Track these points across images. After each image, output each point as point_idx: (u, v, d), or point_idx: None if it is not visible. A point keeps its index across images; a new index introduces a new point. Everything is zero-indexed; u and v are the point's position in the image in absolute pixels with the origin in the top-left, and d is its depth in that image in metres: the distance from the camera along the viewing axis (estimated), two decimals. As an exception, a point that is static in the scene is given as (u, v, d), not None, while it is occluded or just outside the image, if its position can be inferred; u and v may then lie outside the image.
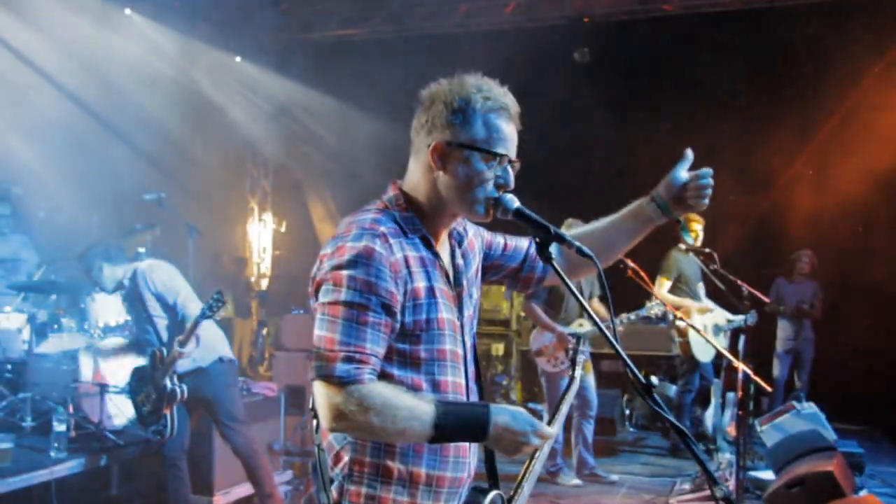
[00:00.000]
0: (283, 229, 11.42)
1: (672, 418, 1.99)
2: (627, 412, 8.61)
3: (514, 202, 2.03)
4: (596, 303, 6.75)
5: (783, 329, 8.70)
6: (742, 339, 6.21)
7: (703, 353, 7.31)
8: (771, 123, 9.31)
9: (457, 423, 1.86)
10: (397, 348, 1.95)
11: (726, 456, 7.14)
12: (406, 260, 1.93)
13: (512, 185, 2.05)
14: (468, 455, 2.07)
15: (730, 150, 9.41)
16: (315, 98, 10.07)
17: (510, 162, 2.03)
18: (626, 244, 2.37)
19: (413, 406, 1.84)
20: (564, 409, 2.68)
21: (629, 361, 2.00)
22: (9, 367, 6.17)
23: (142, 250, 6.94)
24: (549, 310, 6.47)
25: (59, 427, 5.46)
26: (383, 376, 1.93)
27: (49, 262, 6.71)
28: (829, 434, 6.53)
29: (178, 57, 9.12)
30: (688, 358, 7.35)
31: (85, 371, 5.86)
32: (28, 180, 6.91)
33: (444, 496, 2.01)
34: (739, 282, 6.35)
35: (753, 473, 6.72)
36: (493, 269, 2.35)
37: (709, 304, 7.37)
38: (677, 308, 6.70)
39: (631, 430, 8.49)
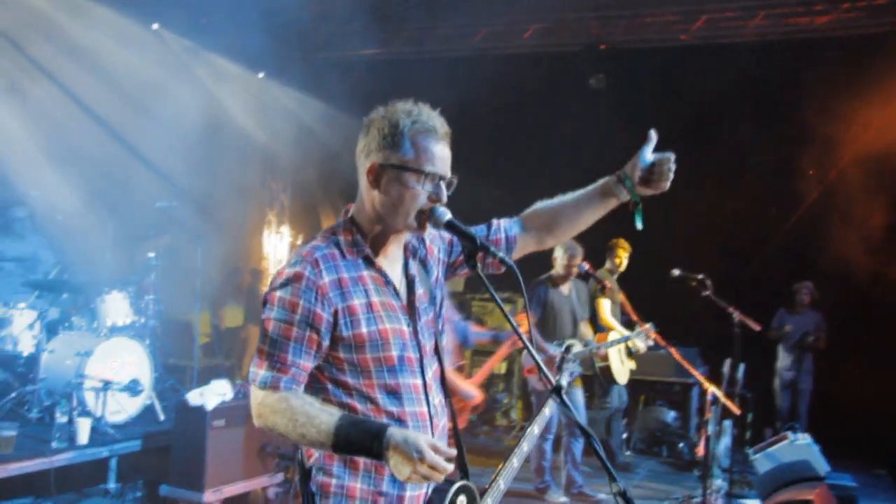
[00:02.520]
0: (299, 242, 11.68)
1: (579, 419, 2.13)
2: (625, 436, 8.65)
3: (446, 215, 2.21)
4: (584, 325, 6.89)
5: (782, 359, 8.74)
6: (727, 363, 6.30)
7: (622, 377, 7.48)
8: (782, 154, 9.38)
9: (353, 437, 2.01)
10: (346, 358, 2.15)
11: (717, 482, 7.19)
12: (339, 281, 2.13)
13: (444, 199, 2.22)
14: None
15: (741, 180, 9.50)
16: (334, 115, 10.31)
17: (441, 178, 2.20)
18: (589, 220, 2.51)
19: (314, 416, 2.03)
20: (539, 423, 2.80)
21: (541, 363, 2.17)
22: (20, 360, 6.44)
23: (151, 255, 7.20)
24: (542, 329, 6.59)
25: (62, 419, 5.71)
26: (339, 385, 2.16)
27: (64, 265, 6.96)
28: (821, 466, 6.55)
29: (202, 72, 9.42)
30: (606, 379, 7.48)
31: (91, 367, 6.08)
32: (47, 186, 7.20)
33: (409, 485, 2.16)
34: (731, 308, 6.41)
35: (742, 501, 6.77)
36: (462, 262, 2.50)
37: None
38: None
39: (627, 453, 8.52)
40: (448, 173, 2.23)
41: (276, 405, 2.06)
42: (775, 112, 9.41)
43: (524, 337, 2.23)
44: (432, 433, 2.23)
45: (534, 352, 2.19)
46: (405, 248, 2.34)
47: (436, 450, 1.98)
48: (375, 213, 2.22)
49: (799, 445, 6.78)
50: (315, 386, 2.19)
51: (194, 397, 5.75)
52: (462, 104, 9.51)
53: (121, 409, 6.28)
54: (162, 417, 6.54)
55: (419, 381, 2.23)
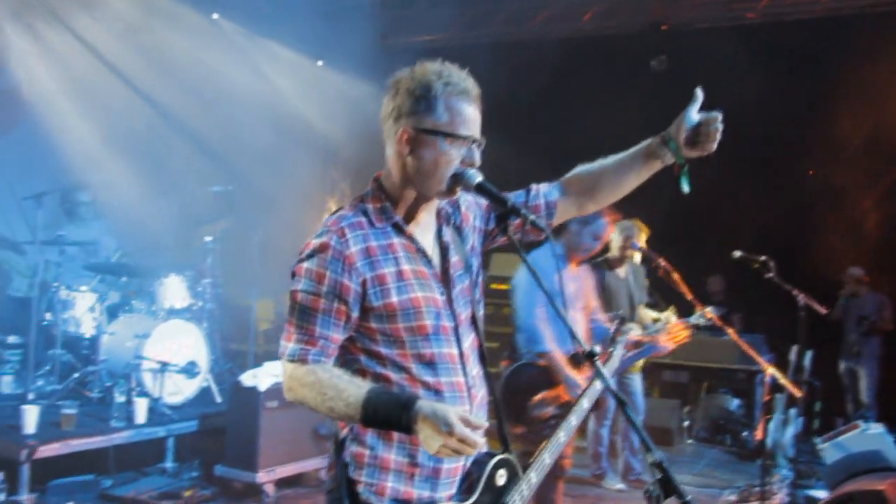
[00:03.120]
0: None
1: (612, 385, 2.03)
2: (686, 423, 8.45)
3: (477, 177, 2.13)
4: (643, 308, 6.72)
5: (846, 344, 8.48)
6: (793, 350, 6.07)
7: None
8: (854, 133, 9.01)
9: (381, 410, 1.96)
10: (378, 328, 2.09)
11: (782, 472, 6.96)
12: (367, 251, 2.07)
13: (478, 162, 2.16)
14: None
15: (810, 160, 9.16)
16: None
17: (474, 141, 2.14)
18: (632, 184, 2.40)
19: (342, 389, 1.98)
20: (589, 397, 2.71)
21: (574, 329, 2.08)
22: (83, 342, 6.61)
23: (208, 239, 7.30)
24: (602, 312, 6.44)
25: (120, 398, 5.83)
26: (373, 355, 2.10)
27: (125, 249, 7.12)
28: (895, 456, 6.28)
29: (261, 60, 9.50)
30: None
31: (149, 349, 6.19)
32: (107, 172, 7.36)
33: (445, 458, 2.07)
34: (795, 291, 6.17)
35: (808, 491, 6.53)
36: (499, 230, 2.41)
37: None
38: None
39: (689, 441, 8.33)
40: (479, 135, 2.17)
41: (304, 378, 2.02)
42: (848, 89, 9.02)
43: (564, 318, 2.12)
44: (470, 404, 2.17)
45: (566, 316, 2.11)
46: (438, 214, 2.27)
47: (466, 422, 1.92)
48: (406, 178, 2.15)
49: (871, 435, 6.49)
50: (348, 357, 2.14)
51: (248, 378, 5.81)
52: (522, 89, 9.46)
53: (178, 390, 6.39)
54: (219, 399, 6.63)
55: (455, 351, 2.16)
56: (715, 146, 2.26)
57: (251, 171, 8.90)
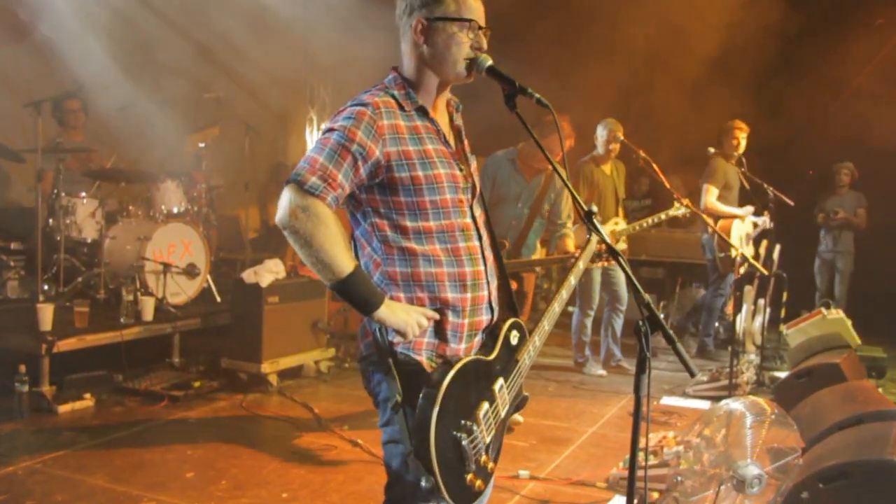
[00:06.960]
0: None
1: (626, 267, 2.29)
2: (662, 316, 8.87)
3: (487, 61, 2.42)
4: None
5: (822, 240, 8.88)
6: (763, 244, 6.44)
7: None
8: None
9: (360, 288, 2.24)
10: (407, 202, 2.35)
11: (750, 357, 7.46)
12: (396, 127, 2.33)
13: (485, 47, 2.44)
14: (483, 276, 2.47)
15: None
16: (376, 10, 10.23)
17: (480, 28, 2.43)
18: None
19: (342, 252, 2.21)
20: (585, 258, 3.05)
21: (577, 196, 2.40)
22: (84, 249, 6.81)
23: (202, 145, 7.46)
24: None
25: (128, 297, 6.10)
26: (399, 229, 2.36)
27: (119, 155, 7.25)
28: (852, 338, 6.76)
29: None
30: (724, 266, 7.57)
31: (150, 251, 6.43)
32: (104, 79, 7.35)
33: (469, 314, 2.42)
34: (766, 185, 6.53)
35: (773, 372, 7.05)
36: None
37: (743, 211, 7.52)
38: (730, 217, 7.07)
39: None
40: (484, 24, 2.44)
41: (318, 216, 2.17)
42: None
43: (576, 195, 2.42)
44: (484, 265, 2.47)
45: (580, 199, 2.41)
46: (448, 104, 2.57)
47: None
48: (423, 66, 2.42)
49: (831, 320, 6.99)
50: (376, 234, 2.37)
51: (249, 276, 6.10)
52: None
53: (180, 291, 6.66)
54: (219, 300, 6.93)
55: (469, 221, 2.46)
56: None
57: (241, 73, 8.91)
